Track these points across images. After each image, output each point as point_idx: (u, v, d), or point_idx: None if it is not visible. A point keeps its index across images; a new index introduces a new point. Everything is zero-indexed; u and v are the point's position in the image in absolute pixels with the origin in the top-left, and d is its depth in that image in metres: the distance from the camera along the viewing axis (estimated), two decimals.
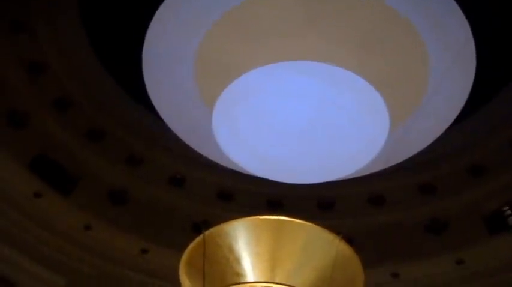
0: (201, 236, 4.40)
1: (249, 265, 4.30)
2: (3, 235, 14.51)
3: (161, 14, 13.81)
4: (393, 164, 16.96)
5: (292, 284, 4.15)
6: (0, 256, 14.29)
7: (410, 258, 16.52)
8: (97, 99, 18.06)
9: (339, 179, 16.35)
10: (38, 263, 14.81)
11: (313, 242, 4.47)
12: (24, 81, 16.50)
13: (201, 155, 17.07)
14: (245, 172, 16.51)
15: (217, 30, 13.26)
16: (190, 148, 16.87)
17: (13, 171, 15.59)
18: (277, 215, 4.58)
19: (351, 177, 16.41)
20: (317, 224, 4.60)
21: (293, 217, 4.59)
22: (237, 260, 4.32)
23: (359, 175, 16.35)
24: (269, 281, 4.17)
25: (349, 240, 4.69)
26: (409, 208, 18.38)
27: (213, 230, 4.43)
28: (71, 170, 17.44)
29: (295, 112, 12.86)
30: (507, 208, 17.03)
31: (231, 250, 4.35)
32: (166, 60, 14.35)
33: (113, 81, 18.03)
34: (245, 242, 4.38)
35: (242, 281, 4.19)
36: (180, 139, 16.62)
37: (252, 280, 4.19)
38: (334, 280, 4.29)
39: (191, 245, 4.46)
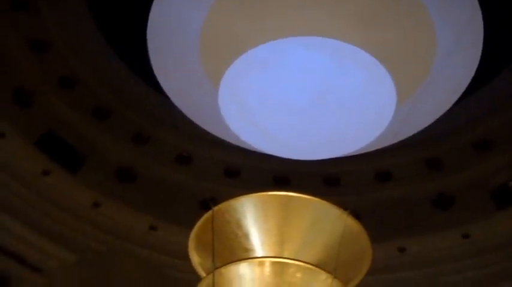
0: (210, 212, 4.42)
1: (258, 241, 4.33)
2: (13, 212, 14.69)
3: None
4: (400, 139, 16.92)
5: (300, 259, 4.17)
6: (11, 232, 14.48)
7: (417, 233, 16.61)
8: (102, 77, 18.03)
9: (346, 155, 16.36)
10: (49, 239, 15.01)
11: (321, 218, 4.48)
12: (29, 59, 16.47)
13: (207, 133, 17.09)
14: (251, 149, 16.54)
15: (222, 5, 13.14)
16: (197, 125, 16.88)
17: (20, 149, 15.69)
18: (284, 191, 4.59)
19: (358, 153, 16.41)
20: (324, 200, 4.61)
21: (300, 193, 4.60)
22: (246, 236, 4.34)
23: (366, 150, 16.35)
24: (278, 256, 4.20)
25: (356, 216, 4.70)
26: (416, 184, 18.40)
27: (221, 206, 4.45)
28: (78, 148, 17.52)
29: (302, 88, 12.82)
30: None
31: (240, 225, 4.37)
32: (171, 36, 14.27)
33: (118, 59, 17.96)
34: (253, 218, 4.40)
35: (251, 256, 4.22)
36: (186, 117, 16.63)
37: (261, 255, 4.22)
38: (342, 255, 4.30)
39: (200, 222, 4.48)
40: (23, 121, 16.07)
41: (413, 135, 16.64)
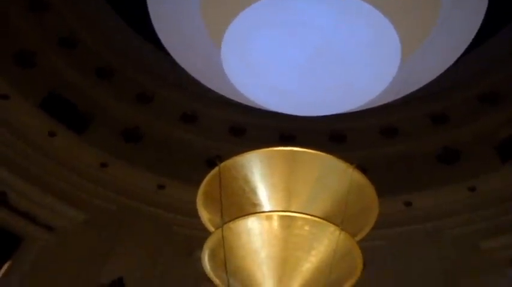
0: (216, 168, 4.44)
1: (265, 196, 4.36)
2: (22, 172, 14.82)
3: None
4: (405, 94, 16.82)
5: (308, 213, 4.21)
6: (22, 193, 14.65)
7: (422, 187, 16.68)
8: (103, 36, 17.90)
9: (351, 111, 16.30)
10: (59, 199, 15.19)
11: (327, 172, 4.50)
12: (29, 20, 16.32)
13: (211, 91, 17.03)
14: (256, 106, 16.50)
15: None
16: (200, 83, 16.80)
17: (26, 111, 15.69)
18: (290, 147, 4.59)
19: (363, 109, 16.35)
20: (331, 154, 4.61)
21: (306, 148, 4.59)
22: (253, 191, 4.37)
23: (371, 106, 16.28)
24: (285, 210, 4.24)
25: (362, 171, 4.71)
26: (421, 138, 18.40)
27: (227, 162, 4.46)
28: (83, 108, 17.53)
29: (305, 43, 12.65)
30: None
31: (247, 181, 4.39)
32: None
33: (119, 18, 17.79)
34: (260, 173, 4.42)
35: (259, 211, 4.26)
36: (190, 75, 16.54)
37: (269, 210, 4.26)
38: (349, 208, 4.34)
39: (207, 178, 4.50)
40: (26, 83, 16.03)
41: (419, 90, 16.53)
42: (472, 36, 14.74)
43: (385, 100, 16.25)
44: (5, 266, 13.73)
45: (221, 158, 4.49)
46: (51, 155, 15.85)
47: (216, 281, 4.38)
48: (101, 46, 18.00)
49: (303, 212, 4.21)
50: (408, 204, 16.80)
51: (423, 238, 15.79)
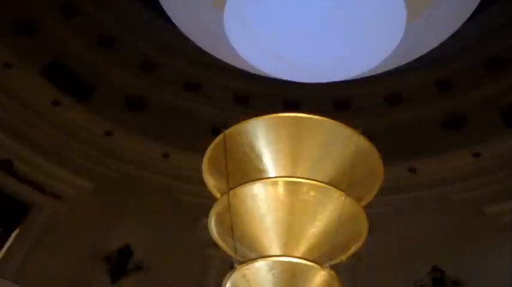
0: (221, 135, 4.43)
1: (270, 162, 4.37)
2: (28, 141, 14.89)
3: None
4: (410, 60, 16.66)
5: (313, 178, 4.21)
6: (29, 162, 14.75)
7: (427, 154, 16.67)
8: (105, 3, 17.75)
9: (355, 78, 16.19)
10: (66, 168, 15.29)
11: (332, 138, 4.49)
12: None
13: (215, 59, 16.90)
14: (260, 74, 16.39)
15: None
16: (204, 51, 16.67)
17: (29, 80, 15.67)
18: (295, 113, 4.57)
19: (367, 75, 16.23)
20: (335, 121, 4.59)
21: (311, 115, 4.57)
22: (258, 158, 4.37)
23: (375, 72, 16.16)
24: (291, 175, 4.24)
25: (367, 137, 4.69)
26: (426, 105, 18.33)
27: (232, 129, 4.45)
28: (86, 77, 17.50)
29: (309, 9, 12.47)
30: None
31: (252, 147, 4.39)
32: None
33: None
34: (265, 139, 4.42)
35: (264, 177, 4.27)
36: (193, 43, 16.41)
37: (274, 176, 4.27)
38: (354, 174, 4.34)
39: (212, 144, 4.50)
40: (29, 52, 15.94)
41: (423, 56, 16.36)
42: (478, 2, 14.53)
43: (390, 66, 16.12)
44: (14, 234, 13.92)
45: (226, 126, 4.47)
46: (56, 124, 15.89)
47: (223, 246, 4.42)
48: (103, 14, 17.85)
49: (309, 177, 4.21)
50: (413, 170, 16.83)
51: (428, 204, 15.86)
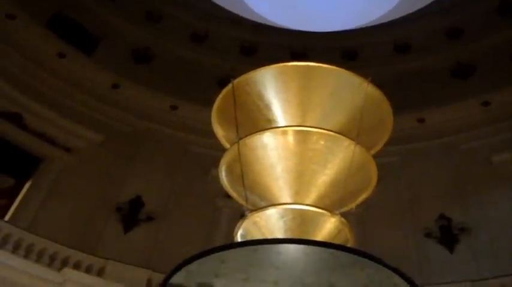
0: (230, 85, 4.39)
1: (280, 111, 4.33)
2: (35, 94, 14.91)
3: None
4: (419, 7, 16.38)
5: (323, 127, 4.20)
6: (38, 115, 14.81)
7: (436, 103, 16.60)
8: None
9: (363, 27, 15.96)
10: (75, 121, 15.37)
11: (341, 86, 4.44)
12: None
13: (221, 9, 16.68)
14: (268, 24, 16.19)
15: None
16: (211, 1, 16.42)
17: (34, 32, 15.56)
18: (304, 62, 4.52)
19: (376, 23, 16.00)
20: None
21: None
22: (268, 107, 4.34)
23: (384, 20, 15.92)
24: (300, 125, 4.23)
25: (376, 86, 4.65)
26: (436, 54, 18.10)
27: (241, 78, 4.39)
28: (91, 29, 17.33)
29: None
30: None
31: (261, 97, 4.35)
32: None
33: None
34: (274, 89, 4.37)
35: (274, 126, 4.26)
36: None
37: (284, 125, 4.25)
38: (364, 122, 4.31)
39: (221, 94, 4.46)
40: (32, 2, 15.76)
41: (432, 3, 16.06)
42: None
43: (399, 14, 15.87)
44: (26, 186, 14.14)
45: (233, 78, 4.43)
46: (62, 77, 15.87)
47: (234, 195, 4.45)
48: None
49: (318, 126, 4.20)
50: (421, 120, 16.79)
51: (436, 153, 15.90)
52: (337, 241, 3.81)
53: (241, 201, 4.31)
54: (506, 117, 15.39)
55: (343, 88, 4.45)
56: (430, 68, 17.91)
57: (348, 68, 4.47)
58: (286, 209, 4.01)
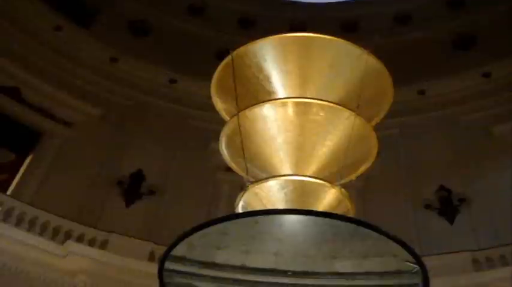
0: (229, 57, 4.37)
1: (279, 83, 4.32)
2: (33, 68, 14.83)
3: None
4: None
5: (322, 99, 4.19)
6: (34, 88, 14.77)
7: (436, 75, 16.51)
8: None
9: None
10: (73, 95, 15.33)
11: (341, 57, 4.41)
12: None
13: None
14: None
15: None
16: None
17: (30, 5, 15.41)
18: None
19: None
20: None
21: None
22: (267, 79, 4.32)
23: None
24: (300, 96, 4.21)
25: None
26: (436, 25, 17.93)
27: (240, 50, 4.37)
28: (87, 2, 17.13)
29: None
30: None
31: (260, 69, 4.33)
32: None
33: None
34: (273, 60, 4.35)
35: (273, 98, 4.24)
36: None
37: (283, 97, 4.24)
38: (364, 94, 4.30)
39: (220, 66, 4.44)
40: None
41: None
42: None
43: None
44: (27, 161, 14.17)
45: (233, 50, 4.40)
46: (59, 51, 15.77)
47: (234, 167, 4.46)
48: None
49: (318, 98, 4.19)
50: (421, 92, 16.73)
51: (436, 125, 15.89)
52: (337, 212, 3.83)
53: (242, 173, 4.33)
54: (507, 88, 15.34)
55: (343, 59, 4.43)
56: (431, 39, 17.76)
57: (348, 40, 4.43)
58: (286, 181, 4.03)
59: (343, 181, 4.23)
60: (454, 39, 17.60)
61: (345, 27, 18.27)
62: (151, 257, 12.56)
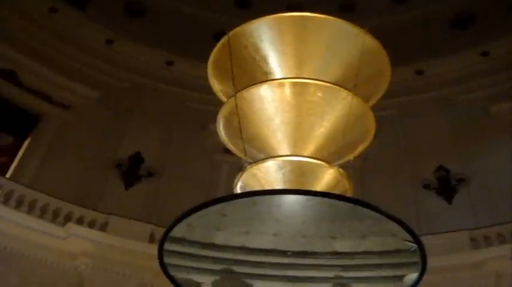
0: (225, 37, 4.34)
1: (276, 64, 4.30)
2: (29, 51, 14.76)
3: None
4: None
5: (319, 79, 4.17)
6: (31, 71, 14.71)
7: (434, 55, 16.47)
8: None
9: None
10: (70, 77, 15.28)
11: (338, 37, 4.38)
12: None
13: None
14: None
15: None
16: None
17: None
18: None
19: None
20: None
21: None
22: (264, 60, 4.30)
23: None
24: (297, 76, 4.20)
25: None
26: (434, 3, 17.82)
27: (236, 30, 4.34)
28: None
29: None
30: None
31: (257, 49, 4.30)
32: None
33: None
34: (270, 41, 4.32)
35: (270, 78, 4.23)
36: None
37: (280, 77, 4.23)
38: (362, 73, 4.28)
39: (216, 47, 4.41)
40: None
41: None
42: None
43: None
44: (25, 144, 14.18)
45: (229, 30, 4.38)
46: (54, 33, 15.69)
47: (232, 148, 4.46)
48: None
49: (315, 78, 4.17)
50: (419, 72, 16.70)
51: (434, 105, 15.90)
52: (336, 192, 3.84)
53: (240, 154, 4.33)
54: (505, 67, 15.30)
55: (340, 39, 4.40)
56: (429, 18, 17.67)
57: (345, 19, 4.40)
58: (284, 161, 4.03)
59: (341, 161, 4.23)
60: (452, 18, 17.51)
61: (342, 7, 18.16)
62: (151, 239, 12.64)
